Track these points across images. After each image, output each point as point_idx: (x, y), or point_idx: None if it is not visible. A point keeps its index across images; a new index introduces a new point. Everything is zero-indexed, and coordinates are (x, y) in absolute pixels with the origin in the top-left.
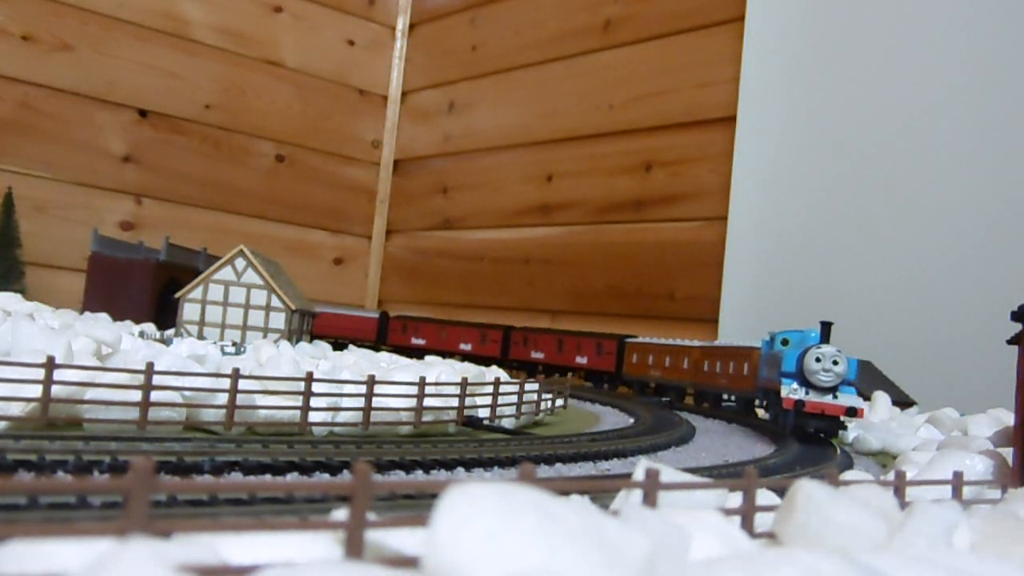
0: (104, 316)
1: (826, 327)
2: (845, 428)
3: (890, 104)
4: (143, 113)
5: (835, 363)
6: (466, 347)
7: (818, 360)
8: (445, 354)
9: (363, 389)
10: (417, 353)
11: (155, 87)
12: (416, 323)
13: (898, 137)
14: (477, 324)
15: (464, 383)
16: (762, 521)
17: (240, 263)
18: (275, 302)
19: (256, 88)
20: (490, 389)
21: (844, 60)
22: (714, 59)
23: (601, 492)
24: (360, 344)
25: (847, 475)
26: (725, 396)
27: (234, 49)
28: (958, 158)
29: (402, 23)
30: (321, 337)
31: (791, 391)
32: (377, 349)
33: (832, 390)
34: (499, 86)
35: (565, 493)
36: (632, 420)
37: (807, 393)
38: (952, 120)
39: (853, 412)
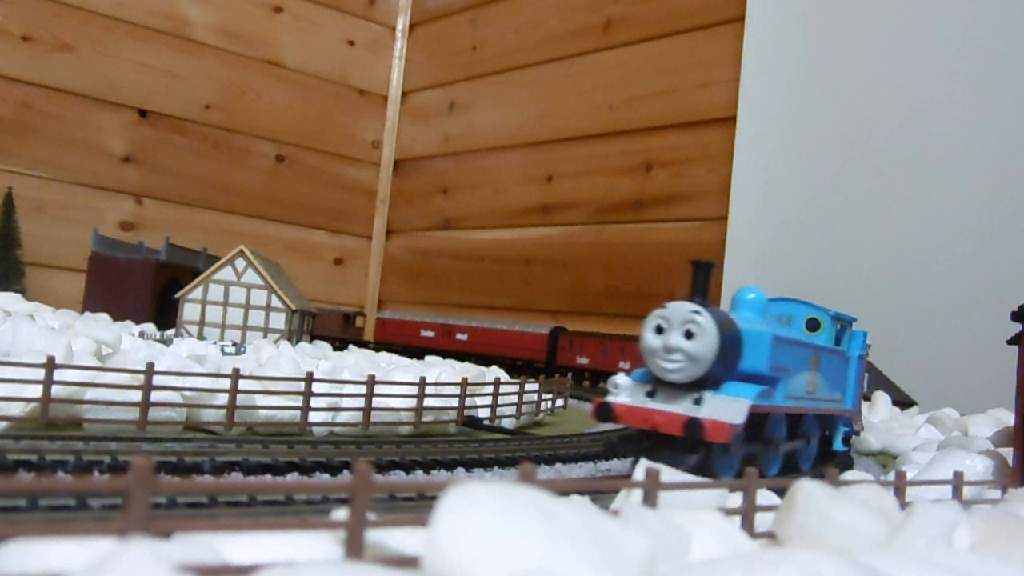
0: (104, 316)
1: (702, 270)
2: (699, 460)
3: (890, 104)
4: (143, 113)
5: (689, 335)
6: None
7: (659, 332)
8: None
9: (363, 389)
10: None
11: (155, 87)
12: (582, 340)
13: (898, 137)
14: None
15: (464, 383)
16: (762, 521)
17: (240, 263)
18: (275, 302)
19: (256, 88)
20: (490, 389)
21: (844, 60)
22: (714, 59)
23: (601, 492)
24: (524, 366)
25: (847, 475)
26: None
27: (234, 49)
28: (958, 158)
29: (402, 23)
30: (473, 357)
31: (613, 388)
32: (549, 373)
33: (697, 387)
34: (499, 86)
35: (565, 493)
36: None
37: (649, 394)
38: (952, 120)
39: (698, 429)
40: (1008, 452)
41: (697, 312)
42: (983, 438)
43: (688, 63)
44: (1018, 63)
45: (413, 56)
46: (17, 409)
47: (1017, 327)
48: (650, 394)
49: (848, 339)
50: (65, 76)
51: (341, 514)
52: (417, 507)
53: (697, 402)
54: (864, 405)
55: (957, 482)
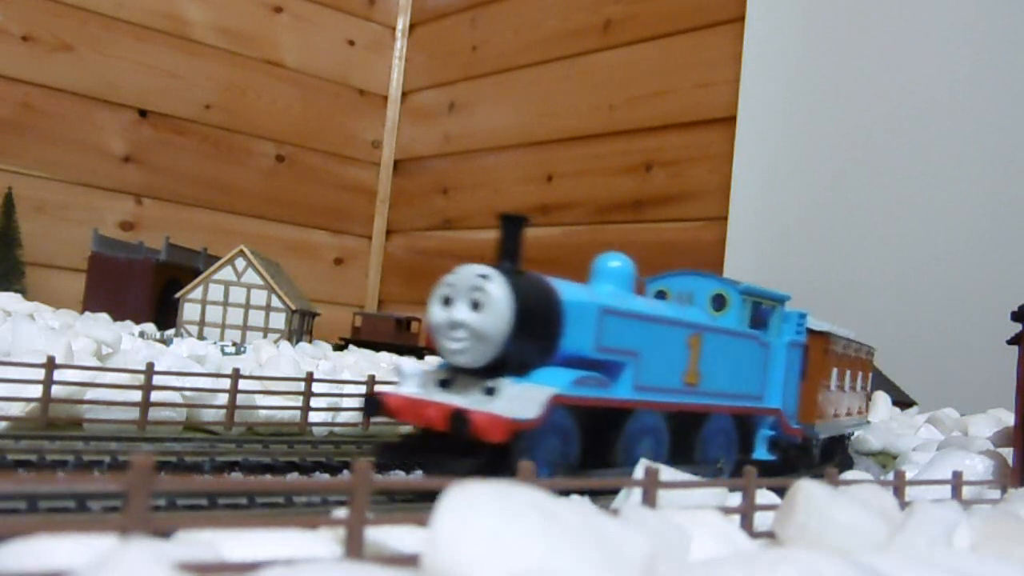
0: (104, 316)
1: (511, 226)
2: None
3: (890, 105)
4: (143, 113)
5: (476, 306)
6: None
7: (446, 303)
8: None
9: (363, 389)
10: None
11: (155, 87)
12: None
13: (898, 138)
14: None
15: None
16: (762, 521)
17: (240, 263)
18: (275, 302)
19: (256, 88)
20: None
21: (844, 60)
22: (714, 59)
23: (601, 492)
24: None
25: (847, 475)
26: None
27: (234, 49)
28: (958, 158)
29: (402, 23)
30: None
31: (399, 377)
32: None
33: (496, 373)
34: (499, 86)
35: (565, 493)
36: None
37: (442, 384)
38: (952, 121)
39: (463, 424)
40: (1008, 452)
41: (485, 276)
42: (983, 438)
43: (688, 63)
44: (1019, 63)
45: (413, 56)
46: (17, 409)
47: (1017, 327)
48: (444, 383)
49: (777, 321)
50: (65, 76)
51: (341, 513)
52: (418, 509)
53: (490, 392)
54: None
55: (957, 482)
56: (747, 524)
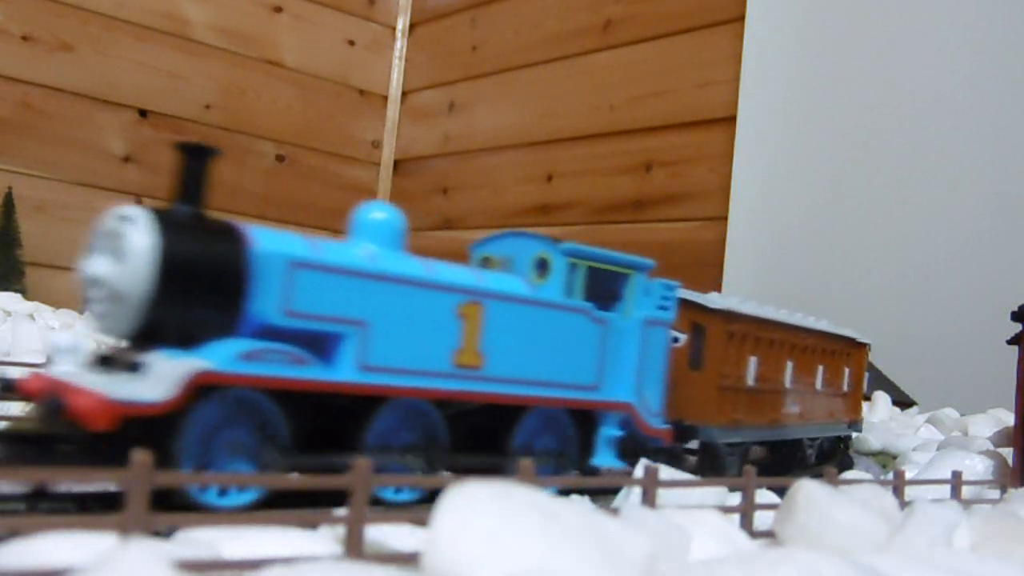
0: None
1: (192, 158)
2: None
3: (890, 104)
4: (143, 113)
5: (116, 256)
6: None
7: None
8: None
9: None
10: None
11: (155, 87)
12: None
13: (898, 137)
14: None
15: None
16: (761, 521)
17: None
18: None
19: (256, 88)
20: None
21: (844, 60)
22: (714, 59)
23: (601, 491)
24: None
25: (847, 475)
26: None
27: (234, 49)
28: (958, 159)
29: (402, 23)
30: None
31: (54, 354)
32: None
33: (147, 345)
34: (499, 86)
35: (565, 493)
36: None
37: (104, 362)
38: (953, 120)
39: (56, 407)
40: (1008, 452)
41: (126, 218)
42: (983, 438)
43: (688, 63)
44: (1020, 62)
45: (413, 56)
46: (17, 409)
47: (1017, 327)
48: (107, 361)
49: (634, 294)
50: (65, 76)
51: (341, 512)
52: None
53: (135, 370)
54: (864, 405)
55: (956, 482)
56: (747, 524)
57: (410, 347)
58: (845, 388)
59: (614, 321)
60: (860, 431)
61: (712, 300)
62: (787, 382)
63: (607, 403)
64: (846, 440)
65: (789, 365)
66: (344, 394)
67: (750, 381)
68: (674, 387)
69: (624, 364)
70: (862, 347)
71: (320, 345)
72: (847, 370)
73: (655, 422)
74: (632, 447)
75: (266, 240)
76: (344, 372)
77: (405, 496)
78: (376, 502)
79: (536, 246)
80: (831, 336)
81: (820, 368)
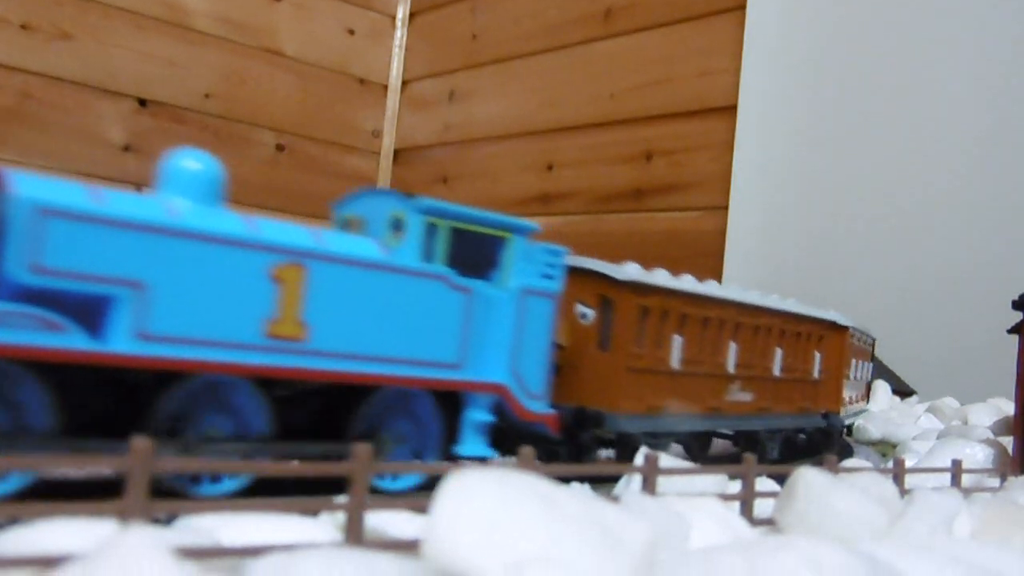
0: None
1: None
2: None
3: (892, 93)
4: (143, 102)
5: None
6: None
7: None
8: None
9: None
10: None
11: (155, 76)
12: None
13: (900, 127)
14: None
15: None
16: (761, 509)
17: None
18: None
19: (256, 77)
20: None
21: (846, 49)
22: (715, 48)
23: (602, 479)
24: None
25: (847, 463)
26: None
27: (234, 38)
28: (960, 147)
29: (402, 12)
30: None
31: None
32: None
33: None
34: (499, 75)
35: (565, 480)
36: None
37: None
38: (954, 108)
39: None
40: (1008, 441)
41: None
42: (983, 427)
43: (689, 52)
44: (1022, 48)
45: (413, 45)
46: None
47: (1018, 316)
48: None
49: (514, 260)
50: (64, 65)
51: (341, 499)
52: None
53: None
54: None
55: (956, 470)
56: (747, 511)
57: (206, 314)
58: (816, 375)
59: (481, 290)
60: (841, 424)
61: (621, 270)
62: (730, 366)
63: (472, 383)
64: (836, 430)
65: (732, 347)
66: (125, 368)
67: (674, 364)
68: (579, 369)
69: (496, 340)
70: (842, 330)
71: (96, 310)
72: (818, 355)
73: (536, 406)
74: (503, 429)
75: (24, 185)
76: (114, 341)
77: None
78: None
79: (390, 204)
80: (795, 317)
81: (778, 352)
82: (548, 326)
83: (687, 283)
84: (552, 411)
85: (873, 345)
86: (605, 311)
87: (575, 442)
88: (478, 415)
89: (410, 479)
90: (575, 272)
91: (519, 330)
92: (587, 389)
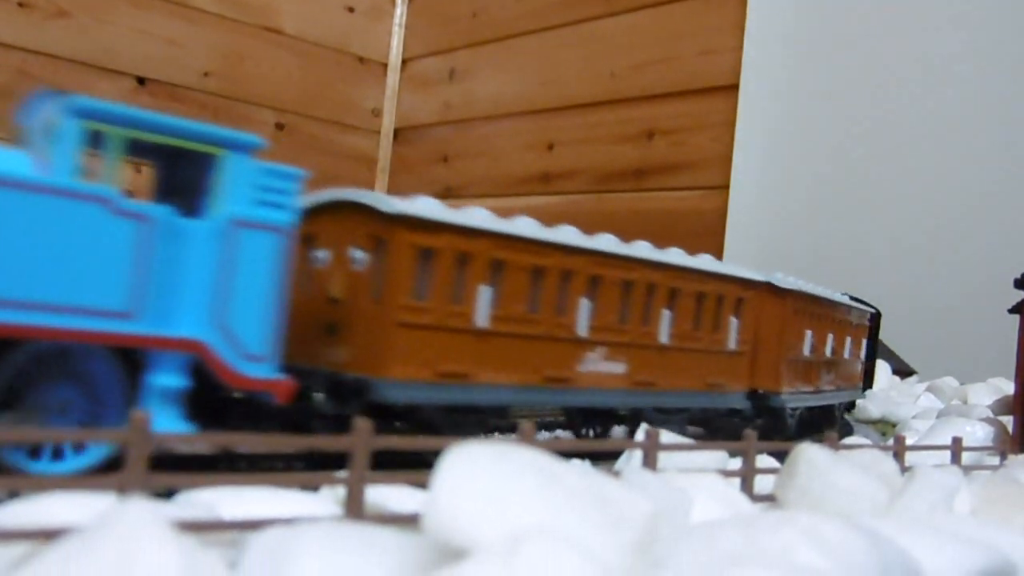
0: None
1: None
2: None
3: (894, 72)
4: (141, 81)
5: None
6: None
7: None
8: None
9: None
10: None
11: (153, 54)
12: None
13: (901, 106)
14: None
15: None
16: (762, 485)
17: None
18: None
19: (255, 55)
20: None
21: (847, 28)
22: (717, 27)
23: (602, 455)
24: None
25: (847, 441)
26: None
27: (233, 16)
28: (961, 127)
29: None
30: None
31: None
32: None
33: None
34: (500, 54)
35: (566, 455)
36: None
37: None
38: (956, 87)
39: None
40: (1008, 420)
41: None
42: (983, 406)
43: (691, 30)
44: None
45: (413, 23)
46: None
47: (1019, 295)
48: None
49: (218, 183)
50: (62, 43)
51: (342, 473)
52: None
53: None
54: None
55: (956, 448)
56: (748, 487)
57: None
58: (732, 345)
59: (165, 219)
60: (781, 404)
61: (392, 203)
62: (581, 329)
63: (151, 338)
64: (777, 412)
65: (584, 305)
66: None
67: (480, 322)
68: (352, 328)
69: (191, 284)
70: (780, 294)
71: None
72: (735, 321)
73: (255, 370)
74: (222, 405)
75: None
76: None
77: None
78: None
79: (45, 107)
80: (694, 272)
81: (664, 314)
82: (272, 268)
83: (502, 223)
84: (280, 376)
85: (875, 321)
86: (379, 254)
87: (305, 414)
88: (165, 379)
89: (86, 457)
90: (348, 208)
91: (226, 272)
92: (355, 351)
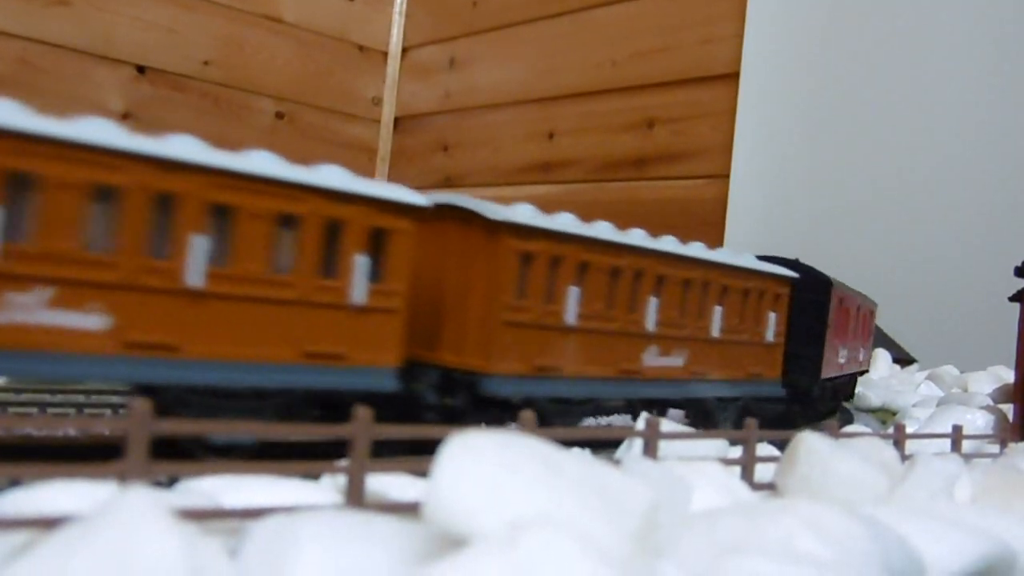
0: None
1: None
2: None
3: (895, 61)
4: (141, 69)
5: None
6: None
7: None
8: None
9: None
10: None
11: (154, 43)
12: None
13: (902, 95)
14: None
15: None
16: (762, 473)
17: None
18: None
19: (255, 44)
20: None
21: (849, 16)
22: (717, 15)
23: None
24: None
25: (847, 429)
26: None
27: (233, 4)
28: (963, 115)
29: None
30: None
31: None
32: None
33: None
34: (500, 42)
35: (567, 444)
36: None
37: None
38: (958, 77)
39: None
40: (1008, 408)
41: None
42: (983, 394)
43: (691, 19)
44: None
45: (413, 11)
46: None
47: (1019, 284)
48: None
49: None
50: (62, 31)
51: (343, 462)
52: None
53: None
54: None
55: (957, 436)
56: (748, 476)
57: None
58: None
59: None
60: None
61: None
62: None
63: None
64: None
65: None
66: None
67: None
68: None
69: None
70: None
71: None
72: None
73: None
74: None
75: None
76: None
77: None
78: None
79: None
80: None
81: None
82: None
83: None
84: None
85: (800, 290)
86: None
87: None
88: None
89: None
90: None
91: None
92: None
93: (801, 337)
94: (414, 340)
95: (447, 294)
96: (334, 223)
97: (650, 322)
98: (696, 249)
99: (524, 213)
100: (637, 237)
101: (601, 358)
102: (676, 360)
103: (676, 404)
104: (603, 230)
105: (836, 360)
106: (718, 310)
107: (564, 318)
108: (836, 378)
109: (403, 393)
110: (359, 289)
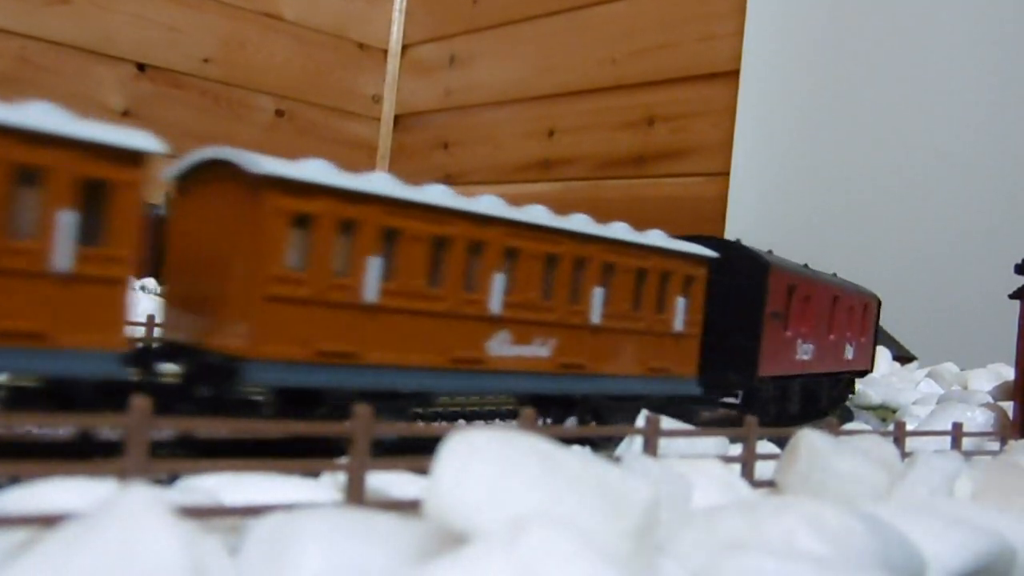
0: None
1: None
2: None
3: (895, 57)
4: (141, 67)
5: None
6: None
7: None
8: None
9: None
10: None
11: (154, 40)
12: None
13: (902, 92)
14: None
15: None
16: (762, 471)
17: None
18: None
19: (255, 42)
20: None
21: (848, 15)
22: (718, 13)
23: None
24: None
25: (848, 427)
26: None
27: (233, 2)
28: (963, 113)
29: None
30: None
31: None
32: None
33: None
34: (500, 40)
35: (567, 441)
36: None
37: None
38: (959, 76)
39: None
40: (1008, 406)
41: None
42: (983, 392)
43: (691, 16)
44: None
45: (413, 9)
46: None
47: (1019, 281)
48: None
49: None
50: (62, 29)
51: (343, 460)
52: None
53: None
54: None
55: (957, 433)
56: (748, 473)
57: None
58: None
59: None
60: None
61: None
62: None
63: None
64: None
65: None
66: None
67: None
68: None
69: None
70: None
71: None
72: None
73: None
74: None
75: None
76: None
77: None
78: None
79: None
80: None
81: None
82: None
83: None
84: None
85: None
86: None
87: None
88: None
89: None
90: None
91: None
92: None
93: (728, 328)
94: (181, 321)
95: (209, 265)
96: (27, 171)
97: (495, 303)
98: (568, 221)
99: (305, 168)
100: (480, 203)
101: (423, 345)
102: (539, 350)
103: (548, 401)
104: (425, 193)
105: (793, 357)
106: (598, 292)
107: (362, 295)
108: (804, 377)
109: (145, 382)
110: (63, 253)
